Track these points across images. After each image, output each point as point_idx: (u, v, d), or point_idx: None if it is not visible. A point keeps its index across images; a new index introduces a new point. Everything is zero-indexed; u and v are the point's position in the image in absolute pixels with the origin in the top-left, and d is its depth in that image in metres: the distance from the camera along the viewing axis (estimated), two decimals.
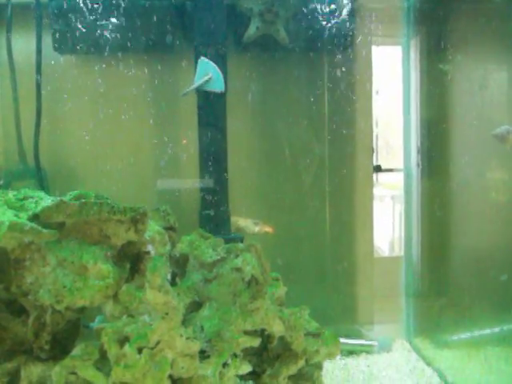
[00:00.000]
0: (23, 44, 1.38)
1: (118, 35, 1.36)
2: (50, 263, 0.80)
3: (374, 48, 1.56)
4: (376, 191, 1.64)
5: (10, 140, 1.39)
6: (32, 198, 0.88)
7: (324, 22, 1.45)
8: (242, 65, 1.49)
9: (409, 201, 1.64)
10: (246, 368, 0.91)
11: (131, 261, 0.88)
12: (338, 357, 1.44)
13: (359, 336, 1.55)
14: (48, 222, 0.80)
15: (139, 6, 1.37)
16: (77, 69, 1.43)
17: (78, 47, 1.37)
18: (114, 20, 1.35)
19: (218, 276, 0.95)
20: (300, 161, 1.55)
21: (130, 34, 1.37)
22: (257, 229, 1.44)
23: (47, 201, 0.85)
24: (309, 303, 1.03)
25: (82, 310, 0.87)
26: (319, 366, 1.01)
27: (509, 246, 1.39)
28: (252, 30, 1.39)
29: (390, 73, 1.69)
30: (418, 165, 1.61)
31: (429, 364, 1.42)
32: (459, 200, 1.53)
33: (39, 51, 1.34)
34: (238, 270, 0.94)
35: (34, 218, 0.80)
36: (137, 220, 0.85)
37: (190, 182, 1.47)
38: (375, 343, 1.50)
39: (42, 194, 0.92)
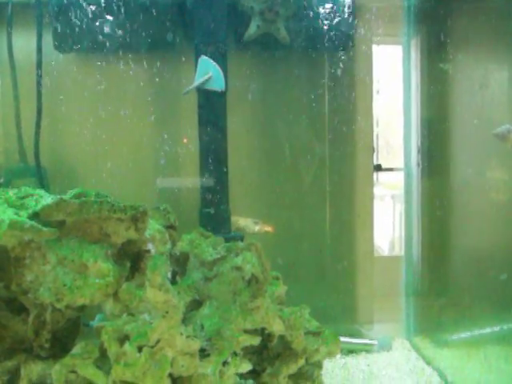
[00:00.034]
0: (24, 42, 1.38)
1: (119, 33, 1.36)
2: (50, 261, 0.80)
3: (374, 47, 1.56)
4: (376, 191, 1.64)
5: (10, 138, 1.39)
6: (32, 196, 0.88)
7: (325, 21, 1.44)
8: (243, 63, 1.48)
9: (409, 200, 1.64)
10: (246, 366, 0.90)
11: (131, 259, 0.88)
12: (338, 356, 1.44)
13: (359, 335, 1.55)
14: (48, 221, 0.80)
15: (140, 4, 1.37)
16: (77, 67, 1.43)
17: (78, 45, 1.37)
18: (114, 18, 1.35)
19: (218, 275, 0.95)
20: (300, 160, 1.54)
21: (130, 33, 1.37)
22: (257, 228, 1.44)
23: (47, 199, 0.85)
24: (309, 302, 1.04)
25: (82, 308, 0.87)
26: (319, 365, 1.01)
27: (509, 245, 1.39)
28: (253, 29, 1.39)
29: (390, 72, 1.69)
30: (418, 164, 1.61)
31: (429, 363, 1.42)
32: (459, 199, 1.53)
33: (39, 49, 1.34)
34: (239, 268, 0.94)
35: (34, 216, 0.80)
36: (137, 218, 0.85)
37: (190, 181, 1.47)
38: (375, 342, 1.50)
39: (42, 192, 0.92)
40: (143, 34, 1.38)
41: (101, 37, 1.36)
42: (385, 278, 1.63)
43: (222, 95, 1.34)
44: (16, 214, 0.81)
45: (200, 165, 1.36)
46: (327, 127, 1.54)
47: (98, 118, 1.43)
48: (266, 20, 1.37)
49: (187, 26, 1.40)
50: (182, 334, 0.82)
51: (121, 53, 1.40)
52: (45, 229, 0.78)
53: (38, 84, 1.34)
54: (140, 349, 0.79)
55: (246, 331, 0.91)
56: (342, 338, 1.37)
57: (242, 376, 0.92)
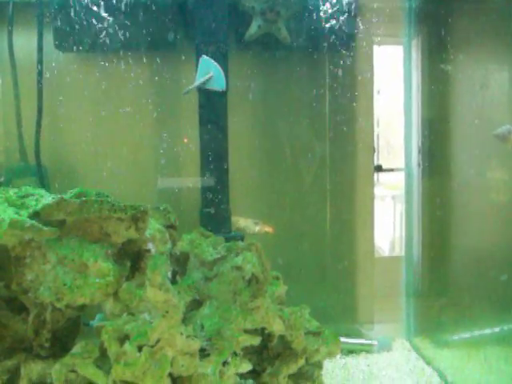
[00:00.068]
0: (24, 41, 1.38)
1: (120, 33, 1.36)
2: (51, 261, 0.80)
3: (375, 47, 1.56)
4: (377, 191, 1.64)
5: (10, 137, 1.39)
6: (33, 195, 0.88)
7: (326, 21, 1.44)
8: (244, 63, 1.48)
9: (409, 200, 1.64)
10: (246, 366, 0.90)
11: (132, 259, 0.88)
12: (338, 356, 1.44)
13: (359, 335, 1.55)
14: (48, 220, 0.80)
15: (141, 3, 1.36)
16: (78, 66, 1.43)
17: (79, 44, 1.37)
18: (115, 17, 1.35)
19: (218, 274, 0.95)
20: (301, 160, 1.54)
21: (131, 32, 1.37)
22: (257, 229, 1.44)
23: (48, 198, 0.85)
24: (309, 302, 1.04)
25: (82, 307, 0.87)
26: (319, 365, 1.01)
27: (509, 245, 1.38)
28: (254, 29, 1.39)
29: (391, 72, 1.69)
30: (418, 164, 1.61)
31: (429, 363, 1.42)
32: (460, 200, 1.53)
33: (40, 48, 1.34)
34: (239, 268, 0.94)
35: (35, 215, 0.80)
36: (137, 218, 0.85)
37: (190, 180, 1.47)
38: (375, 342, 1.50)
39: (42, 191, 0.92)
40: (144, 33, 1.38)
41: (101, 36, 1.36)
42: (385, 278, 1.63)
43: (222, 95, 1.34)
44: (16, 213, 0.81)
45: (201, 164, 1.36)
46: (328, 127, 1.54)
47: (98, 117, 1.43)
48: (267, 20, 1.37)
49: (188, 25, 1.40)
50: (182, 333, 0.82)
51: (121, 52, 1.40)
52: (45, 228, 0.78)
53: (39, 83, 1.34)
54: (140, 348, 0.79)
55: (246, 331, 0.91)
56: (342, 338, 1.37)
57: (242, 376, 0.92)
